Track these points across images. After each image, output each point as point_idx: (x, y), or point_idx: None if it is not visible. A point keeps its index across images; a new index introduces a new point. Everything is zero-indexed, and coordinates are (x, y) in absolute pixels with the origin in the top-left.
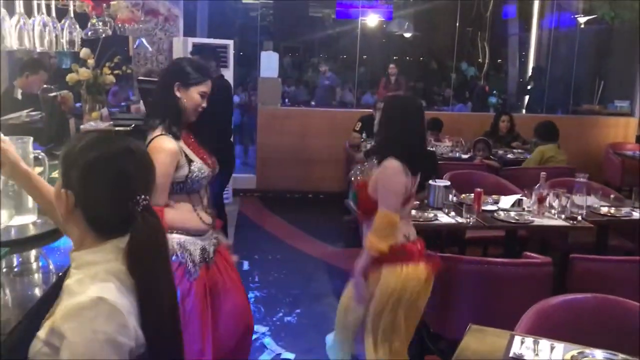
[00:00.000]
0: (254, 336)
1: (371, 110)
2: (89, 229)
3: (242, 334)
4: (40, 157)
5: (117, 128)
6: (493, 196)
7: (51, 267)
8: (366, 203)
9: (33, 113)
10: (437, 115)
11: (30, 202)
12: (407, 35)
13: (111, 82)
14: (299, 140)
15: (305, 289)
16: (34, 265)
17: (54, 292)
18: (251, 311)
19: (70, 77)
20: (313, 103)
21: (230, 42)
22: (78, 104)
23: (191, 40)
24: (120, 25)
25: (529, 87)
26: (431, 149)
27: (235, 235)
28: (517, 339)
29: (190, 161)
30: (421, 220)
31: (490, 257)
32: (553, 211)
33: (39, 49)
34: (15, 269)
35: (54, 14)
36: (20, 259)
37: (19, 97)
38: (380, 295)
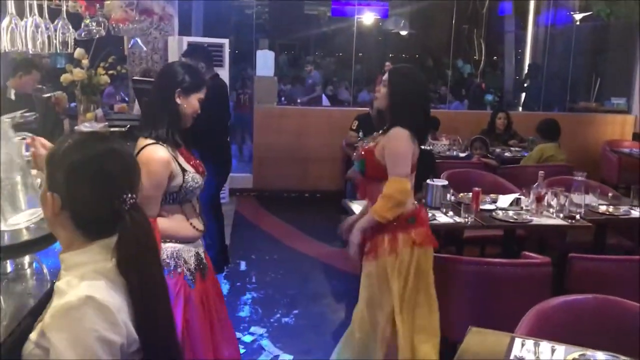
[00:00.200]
0: (252, 337)
1: (368, 109)
2: (76, 231)
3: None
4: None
5: (112, 129)
6: (491, 195)
7: (45, 272)
8: (374, 169)
9: (27, 114)
10: (433, 113)
11: (23, 202)
12: (403, 32)
13: (106, 82)
14: (295, 139)
15: (302, 289)
16: (28, 271)
17: (48, 298)
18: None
19: (64, 78)
20: (299, 101)
21: (225, 41)
22: (73, 104)
23: (186, 39)
24: (114, 25)
25: (525, 85)
26: (428, 147)
27: (232, 235)
28: (518, 341)
29: (184, 170)
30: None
31: (488, 256)
32: (551, 210)
33: (31, 51)
34: (9, 275)
35: (46, 14)
36: (14, 265)
37: (13, 97)
38: (399, 275)
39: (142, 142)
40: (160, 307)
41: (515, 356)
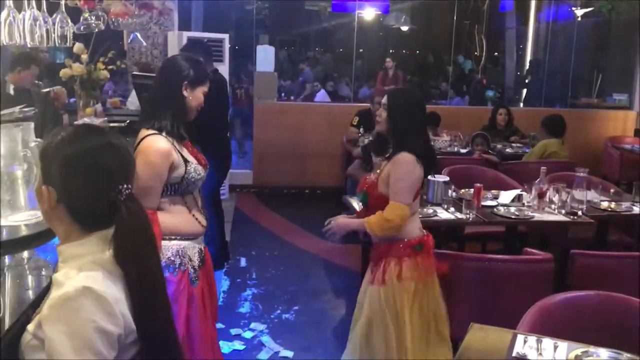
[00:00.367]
0: (252, 333)
1: (368, 105)
2: (73, 223)
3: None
4: (28, 155)
5: (111, 124)
6: (492, 191)
7: (44, 267)
8: (378, 200)
9: (26, 109)
10: (434, 109)
11: (22, 198)
12: (404, 28)
13: (105, 77)
14: (295, 135)
15: (302, 286)
16: (27, 267)
17: (47, 292)
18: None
19: (63, 73)
20: (292, 97)
21: (225, 36)
22: (72, 100)
23: (186, 34)
24: (113, 19)
25: (526, 81)
26: (429, 143)
27: (232, 232)
28: (520, 338)
29: (186, 161)
30: (420, 216)
31: (489, 252)
32: (553, 206)
33: (29, 45)
34: (8, 270)
35: (44, 8)
36: (13, 260)
37: (12, 92)
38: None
39: (143, 132)
40: (158, 297)
41: (518, 353)
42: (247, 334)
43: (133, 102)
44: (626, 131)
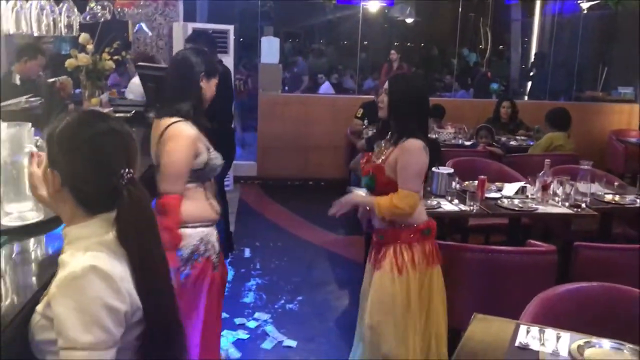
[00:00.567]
0: (256, 323)
1: (373, 97)
2: (77, 206)
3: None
4: (39, 144)
5: (117, 114)
6: (496, 183)
7: (51, 254)
8: (385, 185)
9: (32, 99)
10: (439, 101)
11: (27, 189)
12: (409, 20)
13: (111, 67)
14: (300, 127)
15: (306, 277)
16: (34, 254)
17: (54, 276)
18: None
19: (69, 63)
20: (286, 88)
21: (230, 27)
22: (77, 90)
23: (191, 25)
24: (119, 9)
25: (531, 74)
26: (433, 136)
27: (236, 223)
28: (523, 328)
29: (208, 148)
30: (424, 207)
31: (492, 244)
32: (557, 199)
33: (36, 33)
34: (15, 257)
35: None
36: (20, 247)
37: (18, 82)
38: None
39: (167, 121)
40: (160, 278)
41: (520, 343)
42: (251, 324)
43: (132, 91)
44: (631, 124)
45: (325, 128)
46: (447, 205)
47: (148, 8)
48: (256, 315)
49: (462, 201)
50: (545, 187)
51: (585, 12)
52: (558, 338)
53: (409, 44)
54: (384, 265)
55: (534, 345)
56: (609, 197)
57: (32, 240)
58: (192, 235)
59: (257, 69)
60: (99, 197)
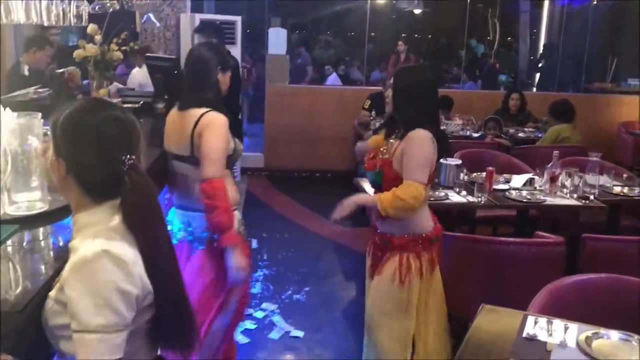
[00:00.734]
0: (264, 313)
1: (380, 88)
2: (84, 194)
3: None
4: (48, 134)
5: (125, 105)
6: (504, 175)
7: (61, 244)
8: (392, 181)
9: (41, 90)
10: (447, 93)
11: (36, 179)
12: (417, 11)
13: (119, 58)
14: (307, 118)
15: (313, 268)
16: (44, 243)
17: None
18: None
19: (77, 54)
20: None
21: (238, 19)
22: (85, 81)
23: (198, 16)
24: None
25: (540, 65)
26: (442, 127)
27: (244, 214)
28: (531, 319)
29: (233, 136)
30: (432, 199)
31: (500, 236)
32: (565, 190)
33: (46, 23)
34: (25, 246)
35: None
36: (30, 236)
37: (26, 73)
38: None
39: (196, 111)
40: (167, 260)
41: (528, 334)
42: (259, 314)
43: (131, 81)
44: None
45: (333, 120)
46: (455, 197)
47: None
48: (263, 305)
49: (470, 192)
50: (553, 179)
51: (595, 2)
52: (566, 329)
53: (416, 35)
54: (384, 271)
55: (542, 336)
56: (617, 189)
57: (41, 230)
58: (237, 219)
59: (264, 60)
60: (103, 184)
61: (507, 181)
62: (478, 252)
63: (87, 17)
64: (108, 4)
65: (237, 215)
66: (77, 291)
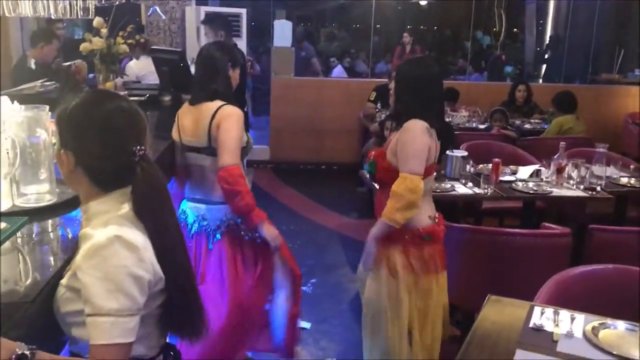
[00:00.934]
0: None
1: (386, 80)
2: (92, 184)
3: None
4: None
5: (131, 98)
6: (511, 167)
7: (70, 235)
8: (385, 171)
9: (47, 83)
10: (453, 84)
11: (44, 171)
12: (423, 3)
13: (125, 51)
14: (312, 110)
15: (319, 260)
16: (53, 234)
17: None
18: None
19: (83, 47)
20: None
21: (243, 11)
22: (91, 75)
23: (203, 8)
24: None
25: (546, 56)
26: (447, 119)
27: None
28: (537, 310)
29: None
30: (438, 191)
31: (506, 228)
32: (572, 182)
33: (53, 16)
34: (35, 238)
35: None
36: (39, 228)
37: (33, 67)
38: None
39: (213, 104)
40: (176, 247)
41: (535, 324)
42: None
43: (128, 73)
44: None
45: (338, 112)
46: (461, 189)
47: None
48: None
49: (476, 184)
50: (560, 170)
51: None
52: (572, 319)
53: (422, 27)
54: (376, 263)
55: (548, 327)
56: (624, 180)
57: (50, 222)
58: None
59: (269, 52)
60: (112, 174)
61: (514, 173)
62: (485, 244)
63: (93, 9)
64: None
65: None
66: (90, 276)
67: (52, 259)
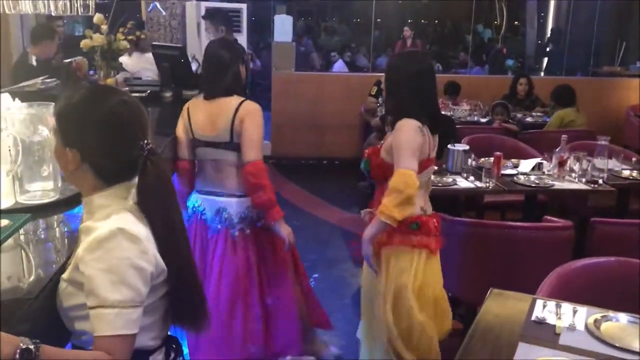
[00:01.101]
0: None
1: None
2: (98, 180)
3: None
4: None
5: (132, 94)
6: (512, 160)
7: (73, 232)
8: (379, 168)
9: (48, 80)
10: (454, 78)
11: (48, 168)
12: None
13: (125, 47)
14: (313, 105)
15: (321, 255)
16: (56, 231)
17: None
18: None
19: (84, 43)
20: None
21: (243, 6)
22: (92, 72)
23: (204, 4)
24: None
25: (547, 49)
26: (449, 113)
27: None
28: (539, 303)
29: None
30: (440, 185)
31: (509, 221)
32: (573, 175)
33: (54, 13)
34: (40, 234)
35: None
36: (43, 225)
37: (34, 63)
38: (389, 281)
39: (233, 99)
40: (180, 240)
41: (537, 317)
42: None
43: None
44: None
45: (339, 106)
46: (463, 182)
47: None
48: None
49: (478, 178)
50: (561, 163)
51: None
52: (575, 312)
53: (423, 20)
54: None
55: (551, 320)
56: (626, 173)
57: (54, 218)
58: None
59: (270, 48)
60: (119, 168)
61: (515, 166)
62: (487, 237)
63: (94, 6)
64: None
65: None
66: (93, 269)
67: (55, 255)
